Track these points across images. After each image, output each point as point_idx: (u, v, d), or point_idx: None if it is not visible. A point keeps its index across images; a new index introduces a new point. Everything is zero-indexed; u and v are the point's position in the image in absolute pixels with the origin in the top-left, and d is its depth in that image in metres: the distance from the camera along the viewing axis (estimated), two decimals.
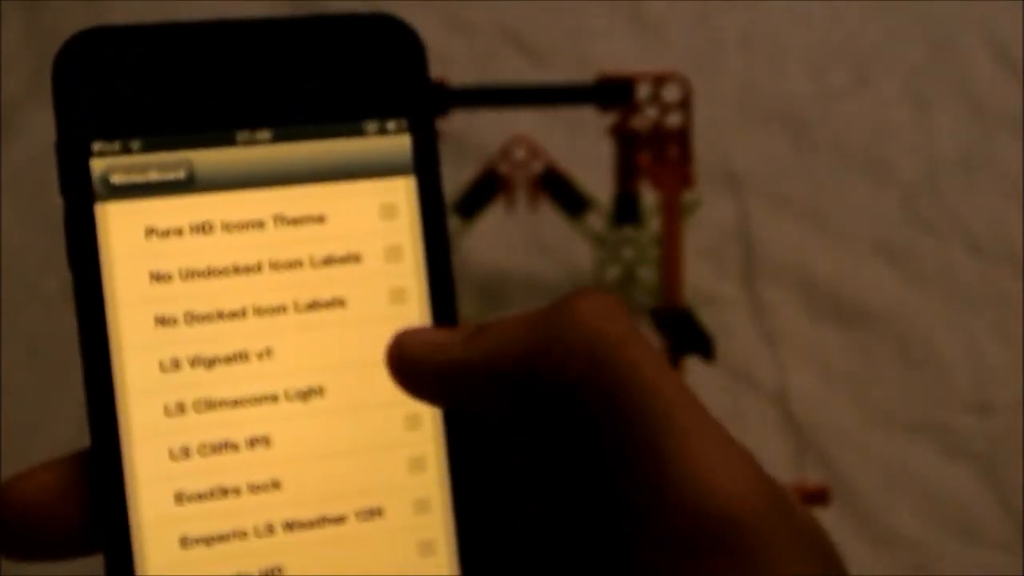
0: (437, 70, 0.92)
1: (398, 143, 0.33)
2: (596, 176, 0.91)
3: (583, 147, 0.92)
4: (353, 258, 0.33)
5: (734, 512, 0.27)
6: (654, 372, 0.28)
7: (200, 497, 0.31)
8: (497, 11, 1.06)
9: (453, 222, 0.91)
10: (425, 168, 0.34)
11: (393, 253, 0.33)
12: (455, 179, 0.94)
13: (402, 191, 0.33)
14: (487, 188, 0.90)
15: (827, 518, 0.84)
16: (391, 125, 0.33)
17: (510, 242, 0.96)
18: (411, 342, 0.31)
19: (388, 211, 0.33)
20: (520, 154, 0.90)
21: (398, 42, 0.34)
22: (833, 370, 0.91)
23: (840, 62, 1.05)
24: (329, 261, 0.33)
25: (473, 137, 0.96)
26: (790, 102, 1.03)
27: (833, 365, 0.91)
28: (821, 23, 1.07)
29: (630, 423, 0.28)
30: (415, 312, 0.33)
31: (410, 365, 0.31)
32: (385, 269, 0.33)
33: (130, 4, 1.06)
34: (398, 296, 0.33)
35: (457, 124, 0.91)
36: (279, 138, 0.33)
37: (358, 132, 0.33)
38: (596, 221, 0.91)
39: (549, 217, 0.92)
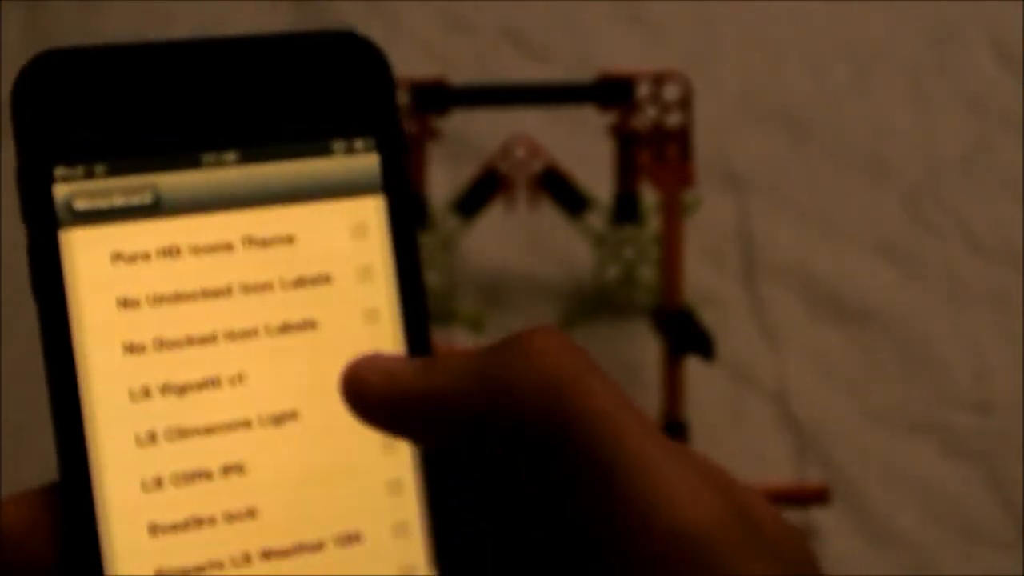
0: (437, 69, 0.92)
1: (366, 162, 0.33)
2: (596, 175, 0.91)
3: (583, 146, 0.92)
4: (324, 279, 0.32)
5: (698, 530, 0.28)
6: (607, 402, 0.29)
7: (174, 528, 0.30)
8: (497, 10, 1.06)
9: (453, 221, 0.91)
10: (394, 187, 0.33)
11: (364, 274, 0.33)
12: (455, 178, 0.94)
13: (372, 211, 0.33)
14: (487, 187, 0.90)
15: (827, 517, 0.84)
16: (359, 144, 0.33)
17: (510, 241, 0.95)
18: (365, 370, 0.31)
19: (358, 231, 0.33)
20: (520, 153, 0.90)
21: (364, 60, 0.33)
22: (833, 369, 0.91)
23: (841, 61, 1.05)
24: (300, 283, 0.32)
25: (473, 136, 0.96)
26: (790, 101, 1.03)
27: (833, 364, 0.91)
28: (822, 22, 1.07)
29: (586, 454, 0.28)
30: (387, 332, 0.33)
31: (364, 394, 0.31)
32: (356, 290, 0.32)
33: (128, 5, 1.06)
34: (370, 317, 0.33)
35: (457, 123, 0.91)
36: (246, 159, 0.32)
37: (326, 152, 0.33)
38: (596, 220, 0.91)
39: (549, 216, 0.92)
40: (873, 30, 1.07)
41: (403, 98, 0.86)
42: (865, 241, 0.96)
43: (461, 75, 0.90)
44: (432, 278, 0.91)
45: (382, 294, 0.33)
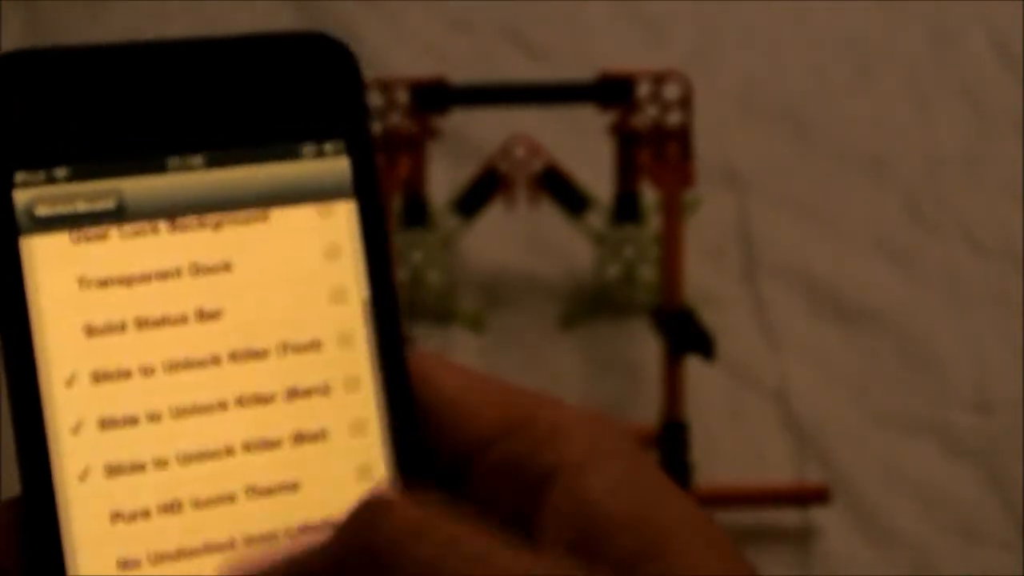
0: (437, 69, 0.93)
1: (336, 166, 0.32)
2: (596, 174, 0.91)
3: (583, 145, 0.92)
4: (293, 283, 0.32)
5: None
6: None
7: (139, 527, 0.30)
8: (497, 9, 1.06)
9: (453, 220, 0.91)
10: (365, 191, 0.32)
11: (335, 277, 0.32)
12: (455, 178, 0.93)
13: (342, 215, 0.32)
14: (487, 186, 0.90)
15: (827, 517, 0.84)
16: (328, 147, 0.32)
17: (510, 241, 0.95)
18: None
19: (328, 236, 0.32)
20: (520, 152, 0.89)
21: (333, 61, 0.32)
22: (834, 369, 0.91)
23: (841, 60, 1.05)
24: (268, 287, 0.31)
25: (473, 135, 0.96)
26: (791, 100, 1.03)
27: (834, 364, 0.91)
28: (822, 21, 1.07)
29: None
30: (360, 334, 0.32)
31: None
32: (327, 295, 0.32)
33: (128, 4, 1.06)
34: (341, 301, 0.32)
35: (457, 123, 0.91)
36: (212, 164, 0.31)
37: (295, 155, 0.32)
38: (596, 220, 0.91)
39: (549, 216, 0.92)
40: (873, 30, 1.06)
41: (403, 98, 0.86)
42: (865, 241, 0.96)
43: (461, 75, 0.90)
44: (432, 278, 0.91)
45: (354, 299, 0.32)
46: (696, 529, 0.30)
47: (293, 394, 0.32)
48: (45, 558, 0.29)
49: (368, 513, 0.29)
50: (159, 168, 0.31)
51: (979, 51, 1.05)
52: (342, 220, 0.32)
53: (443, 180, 0.93)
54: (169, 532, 0.30)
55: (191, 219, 0.31)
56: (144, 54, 0.31)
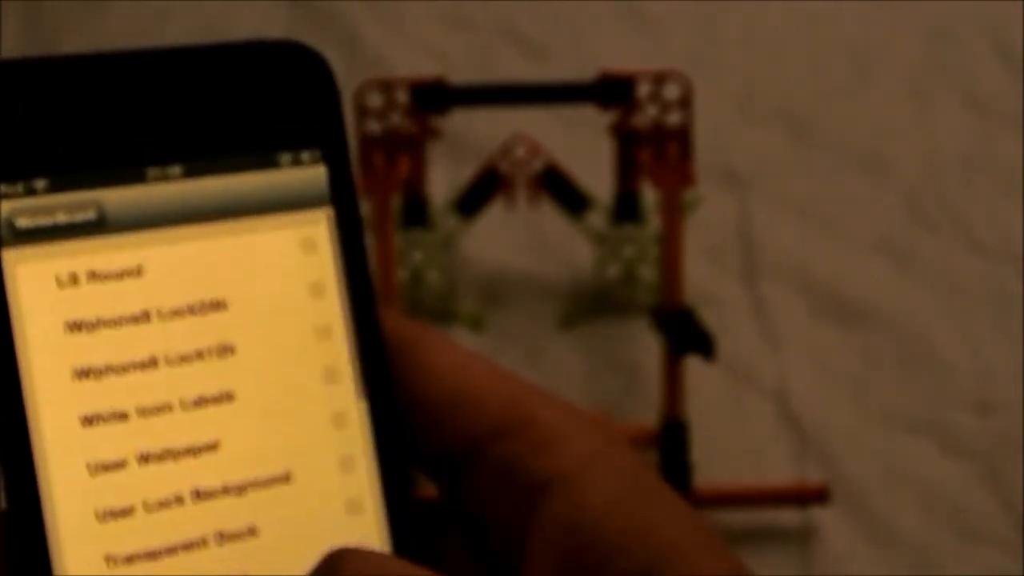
0: (437, 69, 0.92)
1: (313, 174, 0.32)
2: (596, 174, 0.91)
3: (583, 145, 0.92)
4: (274, 294, 0.32)
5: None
6: None
7: (128, 558, 0.30)
8: (497, 8, 1.06)
9: (453, 220, 0.91)
10: (342, 198, 0.33)
11: (314, 288, 0.32)
12: (455, 178, 0.93)
13: (321, 223, 0.32)
14: (487, 186, 0.90)
15: (827, 517, 0.84)
16: (305, 156, 0.32)
17: (510, 241, 0.95)
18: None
19: (307, 244, 0.32)
20: (520, 152, 0.89)
21: (307, 70, 0.33)
22: (834, 369, 0.91)
23: (841, 60, 1.05)
24: (250, 299, 0.32)
25: (473, 135, 0.96)
26: (791, 100, 1.03)
27: (834, 364, 0.91)
28: (822, 21, 1.07)
29: None
30: (340, 347, 0.32)
31: None
32: (307, 304, 0.32)
33: (128, 4, 1.05)
34: (322, 333, 0.32)
35: (457, 123, 0.91)
36: (191, 173, 0.31)
37: (272, 164, 0.32)
38: (596, 219, 0.91)
39: (549, 215, 0.92)
40: (873, 30, 1.06)
41: (403, 98, 0.86)
42: (865, 240, 0.96)
43: (461, 75, 0.90)
44: (432, 278, 0.91)
45: (334, 308, 0.32)
46: (702, 542, 0.30)
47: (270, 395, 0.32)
48: (31, 564, 0.29)
49: (328, 561, 0.28)
50: (138, 178, 0.31)
51: (979, 51, 1.05)
52: (320, 227, 0.32)
53: (443, 180, 0.93)
54: (159, 528, 0.30)
55: (171, 229, 0.31)
56: (121, 64, 0.31)
